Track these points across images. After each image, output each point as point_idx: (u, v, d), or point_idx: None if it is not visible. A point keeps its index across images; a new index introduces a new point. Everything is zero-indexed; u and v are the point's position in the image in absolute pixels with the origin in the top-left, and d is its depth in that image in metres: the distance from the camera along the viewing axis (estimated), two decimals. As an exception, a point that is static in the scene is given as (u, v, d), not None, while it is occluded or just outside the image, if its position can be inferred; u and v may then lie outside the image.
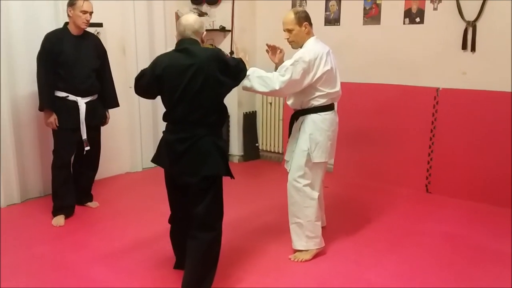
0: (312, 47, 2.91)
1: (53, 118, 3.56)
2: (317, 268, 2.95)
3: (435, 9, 4.22)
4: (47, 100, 3.54)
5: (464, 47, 4.10)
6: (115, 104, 3.96)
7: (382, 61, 4.59)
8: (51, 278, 2.82)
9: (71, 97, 3.59)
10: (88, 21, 3.55)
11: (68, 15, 3.55)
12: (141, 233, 3.46)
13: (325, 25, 4.89)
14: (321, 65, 2.88)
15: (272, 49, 3.08)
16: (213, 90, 2.41)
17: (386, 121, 4.55)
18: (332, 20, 4.85)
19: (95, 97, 3.74)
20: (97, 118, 3.80)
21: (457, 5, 4.08)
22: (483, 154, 4.04)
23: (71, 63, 3.54)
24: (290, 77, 2.80)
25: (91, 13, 3.54)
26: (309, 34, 3.00)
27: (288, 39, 3.00)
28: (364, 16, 4.65)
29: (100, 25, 4.56)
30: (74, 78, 3.57)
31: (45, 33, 3.60)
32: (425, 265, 2.98)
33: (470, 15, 4.04)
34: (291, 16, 2.94)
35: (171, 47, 5.11)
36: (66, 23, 3.62)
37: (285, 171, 3.17)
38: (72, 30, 3.58)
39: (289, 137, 3.20)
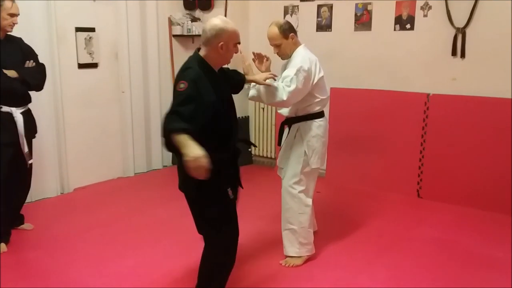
0: (306, 55, 2.93)
1: None
2: (308, 273, 2.96)
3: (425, 15, 4.27)
4: None
5: (454, 53, 4.15)
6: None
7: (373, 67, 4.63)
8: (40, 284, 2.80)
9: (5, 108, 3.17)
10: (15, 24, 3.17)
11: None
12: (134, 239, 3.44)
13: (316, 31, 4.92)
14: (317, 72, 2.92)
15: (259, 58, 3.07)
16: None
17: (378, 126, 4.58)
18: (324, 26, 4.89)
19: (27, 107, 3.35)
20: (32, 130, 3.44)
21: (447, 12, 4.13)
22: (474, 159, 4.08)
23: None
24: (296, 87, 2.80)
25: (18, 15, 3.18)
26: (296, 44, 3.00)
27: (277, 53, 3.02)
28: (355, 23, 4.68)
29: (92, 29, 4.57)
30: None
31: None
32: (416, 270, 3.00)
33: (459, 22, 4.09)
34: (275, 30, 2.93)
35: (163, 52, 5.21)
36: None
37: (278, 177, 3.18)
38: None
39: (279, 144, 3.21)
